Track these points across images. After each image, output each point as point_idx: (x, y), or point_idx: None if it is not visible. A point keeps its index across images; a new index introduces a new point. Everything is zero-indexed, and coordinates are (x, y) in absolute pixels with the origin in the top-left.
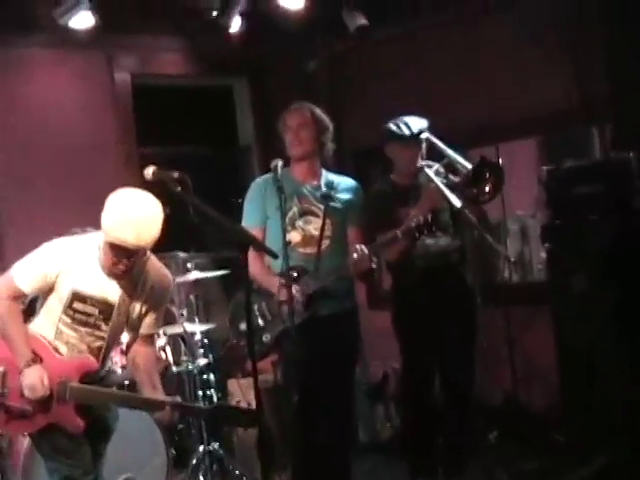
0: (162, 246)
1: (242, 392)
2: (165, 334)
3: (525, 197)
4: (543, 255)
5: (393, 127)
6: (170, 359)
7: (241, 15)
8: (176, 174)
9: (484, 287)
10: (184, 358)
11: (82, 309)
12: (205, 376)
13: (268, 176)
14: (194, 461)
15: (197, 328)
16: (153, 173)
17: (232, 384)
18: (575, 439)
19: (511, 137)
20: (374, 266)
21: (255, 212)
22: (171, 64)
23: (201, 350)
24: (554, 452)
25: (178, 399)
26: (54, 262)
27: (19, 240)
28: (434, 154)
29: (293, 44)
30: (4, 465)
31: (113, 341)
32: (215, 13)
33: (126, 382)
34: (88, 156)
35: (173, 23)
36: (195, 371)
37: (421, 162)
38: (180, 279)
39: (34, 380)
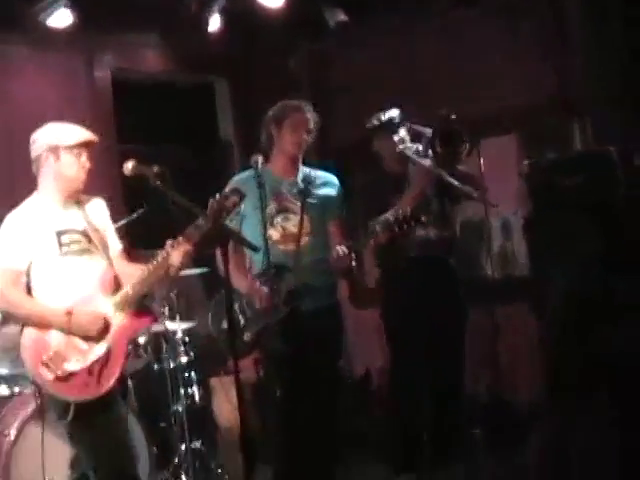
0: (141, 243)
1: (224, 389)
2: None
3: (506, 194)
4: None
5: (368, 124)
6: (151, 357)
7: (221, 12)
8: (155, 168)
9: (468, 281)
10: (165, 356)
11: (70, 239)
12: (187, 374)
13: (246, 173)
14: (176, 460)
15: (178, 326)
16: (132, 167)
17: (214, 381)
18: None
19: (491, 133)
20: (354, 264)
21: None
22: (151, 61)
23: (182, 348)
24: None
25: None
26: (25, 226)
27: None
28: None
29: (273, 41)
30: None
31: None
32: (194, 10)
33: None
34: None
35: (153, 21)
36: (177, 369)
37: (399, 147)
38: None
39: (83, 319)
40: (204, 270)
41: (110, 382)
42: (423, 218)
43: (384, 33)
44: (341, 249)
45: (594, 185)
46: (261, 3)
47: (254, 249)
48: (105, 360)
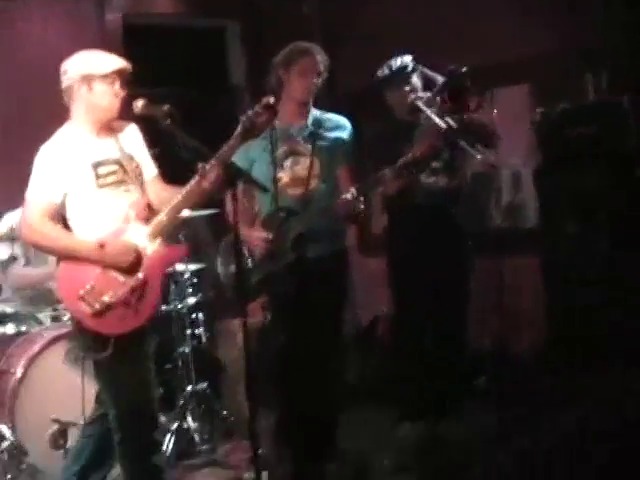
0: None
1: (231, 332)
2: None
3: (518, 145)
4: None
5: (378, 72)
6: None
7: None
8: (165, 107)
9: (476, 232)
10: (172, 297)
11: (106, 171)
12: (194, 315)
13: None
14: (181, 401)
15: (186, 267)
16: (142, 106)
17: (221, 324)
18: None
19: (503, 83)
20: (361, 207)
21: (241, 155)
22: (162, 5)
23: (190, 289)
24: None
25: None
26: (60, 158)
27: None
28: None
29: None
30: None
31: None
32: None
33: None
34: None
35: None
36: (184, 310)
37: (411, 96)
38: None
39: (115, 250)
40: (213, 211)
41: (147, 314)
42: (433, 164)
43: None
44: (349, 194)
45: (606, 134)
46: None
47: (264, 189)
48: (141, 291)
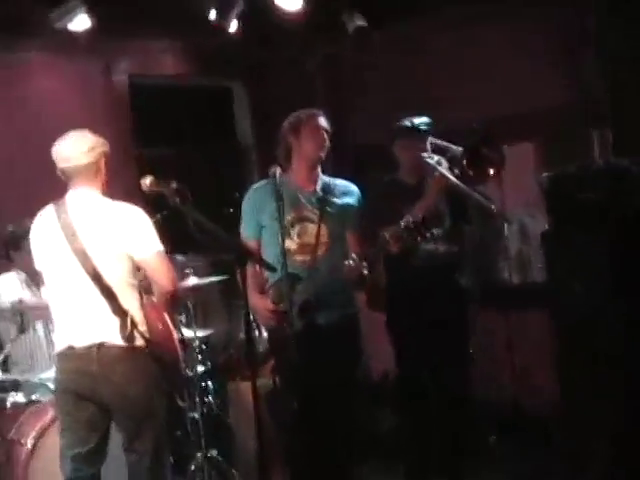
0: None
1: (241, 396)
2: None
3: (523, 197)
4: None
5: (404, 124)
6: None
7: (239, 16)
8: (174, 184)
9: (483, 288)
10: (182, 365)
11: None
12: (203, 383)
13: (264, 183)
14: (192, 467)
15: (195, 334)
16: (150, 184)
17: (231, 387)
18: (575, 442)
19: (509, 139)
20: (365, 272)
21: (251, 223)
22: (168, 66)
23: (199, 356)
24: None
25: None
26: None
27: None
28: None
29: (292, 45)
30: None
31: None
32: (213, 16)
33: None
34: None
35: (170, 25)
36: (194, 378)
37: (424, 155)
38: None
39: None
40: (222, 278)
41: None
42: (435, 230)
43: (401, 38)
44: (351, 260)
45: (614, 200)
46: (279, 6)
47: (272, 270)
48: None
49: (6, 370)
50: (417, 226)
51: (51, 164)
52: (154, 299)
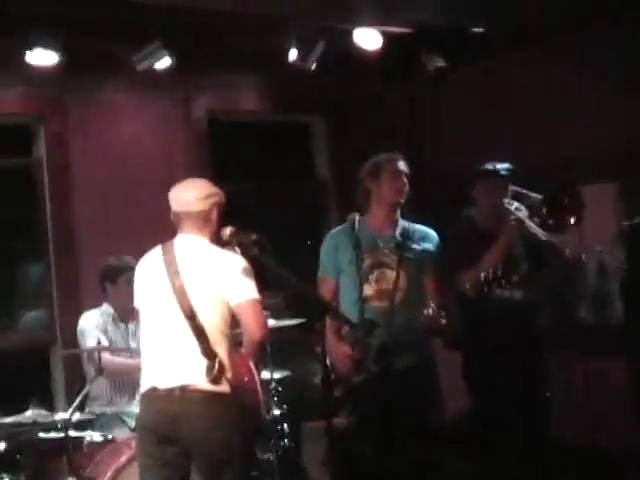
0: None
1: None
2: None
3: (603, 234)
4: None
5: (486, 167)
6: None
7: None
8: (254, 236)
9: (558, 332)
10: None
11: None
12: (279, 427)
13: (343, 227)
14: None
15: (272, 375)
16: (230, 234)
17: (307, 428)
18: None
19: (594, 178)
20: (443, 322)
21: (329, 265)
22: (248, 102)
23: (275, 399)
24: None
25: None
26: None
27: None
28: None
29: (371, 83)
30: None
31: None
32: (294, 56)
33: None
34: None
35: (249, 62)
36: (269, 421)
37: (504, 200)
38: None
39: None
40: (300, 321)
41: None
42: (514, 278)
43: (481, 79)
44: (430, 310)
45: None
46: (359, 45)
47: (349, 324)
48: None
49: (83, 408)
50: (496, 276)
51: (131, 198)
52: (242, 350)
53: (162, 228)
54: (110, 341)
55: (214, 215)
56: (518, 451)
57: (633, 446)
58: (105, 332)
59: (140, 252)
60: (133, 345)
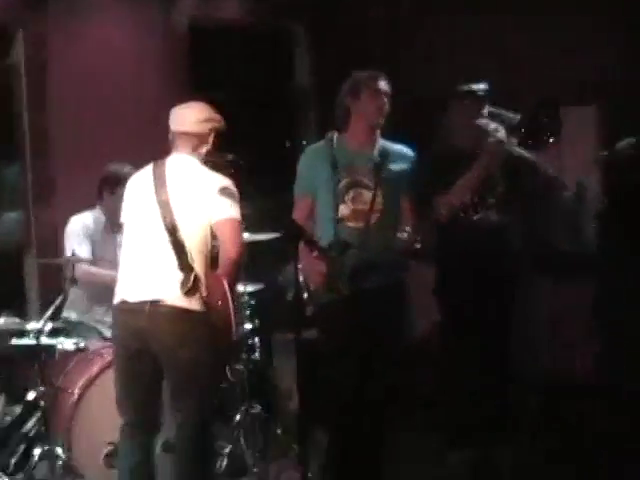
0: None
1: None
2: None
3: (581, 161)
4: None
5: (461, 88)
6: None
7: None
8: (230, 157)
9: (532, 255)
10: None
11: None
12: (250, 341)
13: (321, 145)
14: (235, 420)
15: (244, 288)
16: (206, 154)
17: (277, 341)
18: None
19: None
20: (418, 246)
21: (305, 182)
22: (228, 7)
23: (247, 312)
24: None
25: None
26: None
27: (71, 180)
28: None
29: None
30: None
31: None
32: None
33: None
34: (144, 100)
35: None
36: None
37: (481, 120)
38: None
39: None
40: (274, 235)
41: None
42: (490, 201)
43: None
44: (405, 233)
45: None
46: None
47: (322, 252)
48: None
49: (58, 316)
50: (472, 201)
51: (106, 104)
52: (219, 271)
53: (134, 138)
54: (96, 249)
55: (209, 140)
56: (485, 371)
57: (602, 367)
58: (93, 239)
59: (117, 156)
60: None
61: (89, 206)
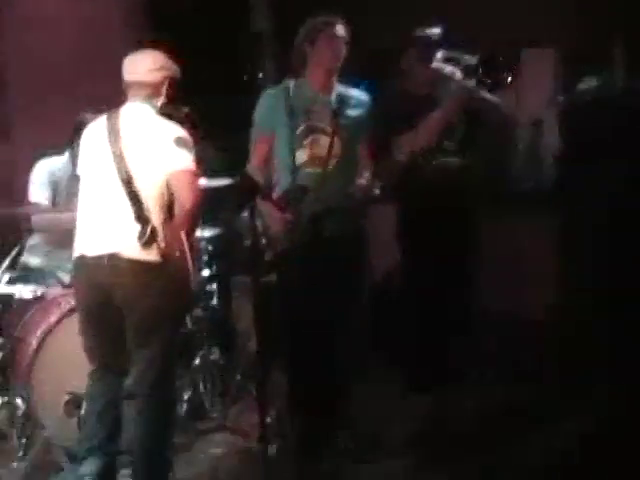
0: None
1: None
2: None
3: (540, 100)
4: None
5: (416, 34)
6: None
7: None
8: (186, 109)
9: (492, 196)
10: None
11: None
12: (208, 287)
13: (279, 90)
14: (194, 364)
15: (202, 234)
16: (162, 106)
17: (236, 284)
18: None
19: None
20: (376, 192)
21: (264, 122)
22: None
23: (205, 257)
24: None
25: None
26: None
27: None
28: None
29: None
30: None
31: None
32: None
33: None
34: (97, 39)
35: None
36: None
37: (436, 65)
38: None
39: None
40: (231, 182)
41: None
42: (445, 143)
43: None
44: (363, 179)
45: (631, 125)
46: None
47: (279, 206)
48: None
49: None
50: (432, 149)
51: (58, 44)
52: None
53: (87, 79)
54: (60, 196)
55: (163, 88)
56: (447, 313)
57: (562, 304)
58: (58, 186)
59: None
60: None
61: (51, 146)
